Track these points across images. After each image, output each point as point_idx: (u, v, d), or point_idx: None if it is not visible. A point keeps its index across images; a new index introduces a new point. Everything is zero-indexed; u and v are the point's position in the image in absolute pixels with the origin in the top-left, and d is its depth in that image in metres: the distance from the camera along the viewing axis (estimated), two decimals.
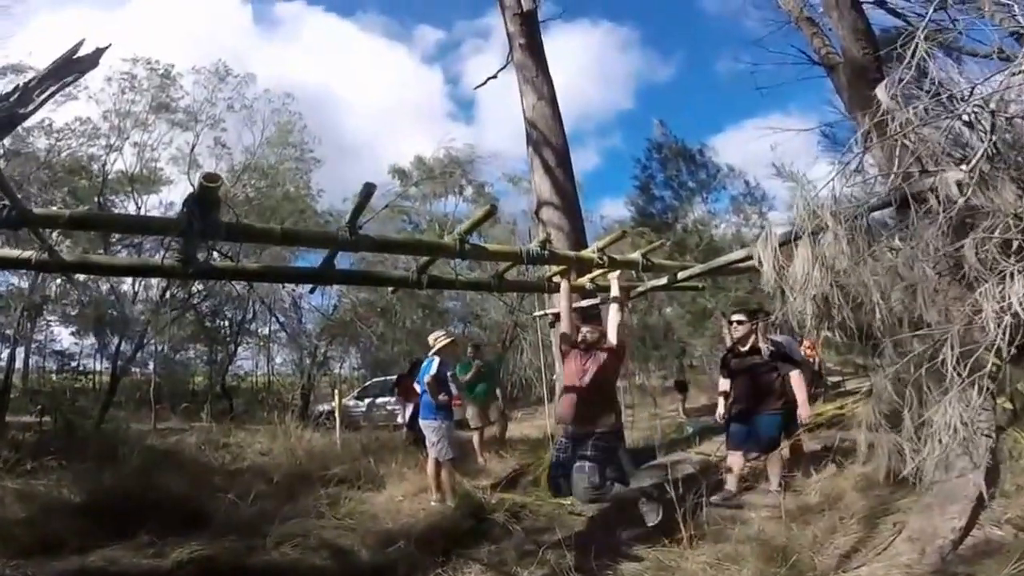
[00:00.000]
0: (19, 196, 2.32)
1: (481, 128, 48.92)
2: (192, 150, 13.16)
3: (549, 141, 6.61)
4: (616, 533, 3.67)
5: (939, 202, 2.10)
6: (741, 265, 3.67)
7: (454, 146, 15.79)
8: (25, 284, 12.23)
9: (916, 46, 2.30)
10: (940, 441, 2.03)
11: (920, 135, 2.25)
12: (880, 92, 2.34)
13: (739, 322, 4.37)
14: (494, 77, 8.18)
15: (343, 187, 21.78)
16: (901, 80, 2.31)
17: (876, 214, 2.46)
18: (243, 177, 13.49)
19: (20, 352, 13.85)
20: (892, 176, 2.36)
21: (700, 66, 48.21)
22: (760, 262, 2.55)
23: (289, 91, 15.12)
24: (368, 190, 2.62)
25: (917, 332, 2.34)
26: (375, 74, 51.04)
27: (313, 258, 11.76)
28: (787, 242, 2.54)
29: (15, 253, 2.98)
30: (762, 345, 4.22)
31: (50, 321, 15.57)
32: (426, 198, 16.53)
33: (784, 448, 4.20)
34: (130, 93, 12.46)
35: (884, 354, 2.48)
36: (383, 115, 44.70)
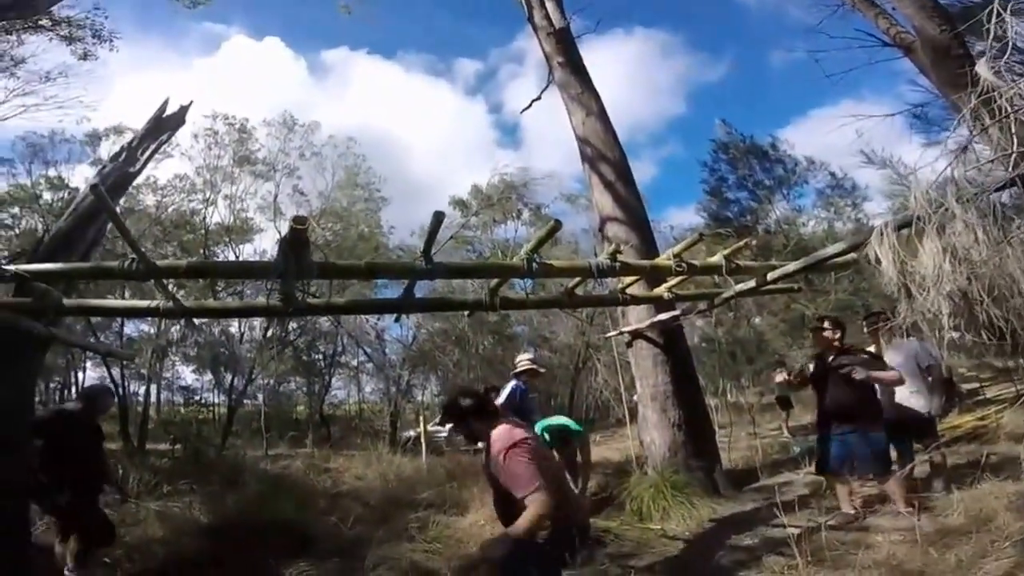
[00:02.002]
0: (142, 251, 2.58)
1: (529, 151, 49.45)
2: (275, 199, 14.53)
3: (604, 155, 6.44)
4: (716, 557, 3.40)
5: None
6: (839, 260, 3.33)
7: (508, 171, 16.14)
8: (152, 330, 14.11)
9: (1003, 18, 2.07)
10: None
11: None
12: (982, 70, 2.13)
13: (822, 330, 4.02)
14: (538, 99, 8.13)
15: (409, 224, 22.98)
16: (997, 56, 2.08)
17: (995, 196, 2.17)
18: (321, 221, 14.58)
19: (153, 388, 15.99)
20: (1015, 154, 2.07)
21: (751, 61, 45.68)
22: (878, 259, 2.31)
23: (353, 136, 16.49)
24: (438, 218, 2.70)
25: None
26: (423, 111, 53.81)
27: (390, 293, 12.47)
28: (903, 226, 2.30)
29: (145, 303, 3.36)
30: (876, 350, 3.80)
31: (174, 361, 17.67)
32: (486, 226, 16.89)
33: (914, 465, 3.76)
34: (215, 148, 14.02)
35: None
36: (436, 150, 47.02)
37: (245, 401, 14.98)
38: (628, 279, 4.12)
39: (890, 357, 4.19)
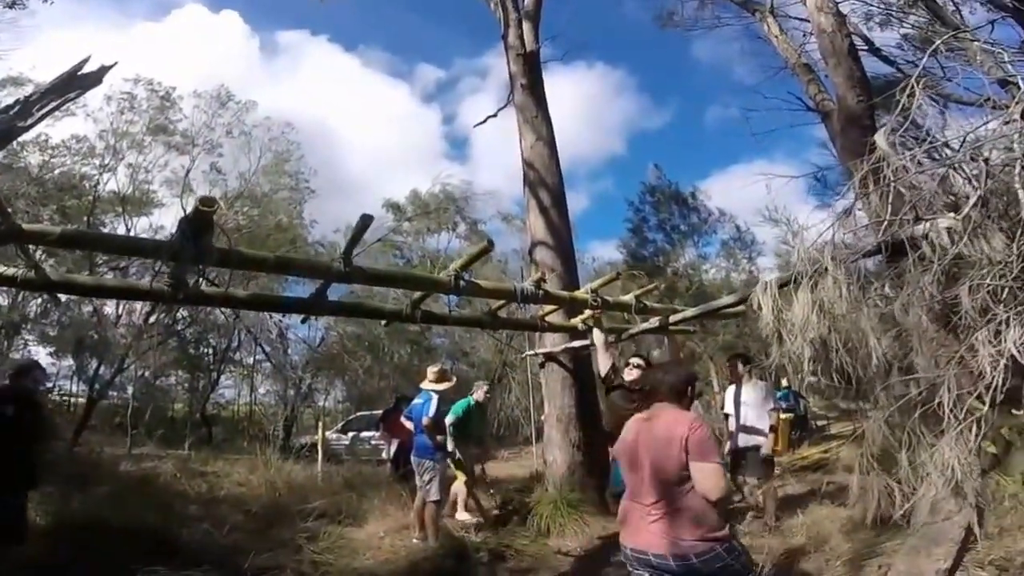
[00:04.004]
0: (8, 211, 2.28)
1: (475, 167, 49.70)
2: (187, 174, 13.17)
3: (545, 182, 6.67)
4: (601, 574, 3.56)
5: (932, 250, 2.16)
6: (729, 311, 3.73)
7: (450, 182, 16.02)
8: (4, 302, 12.04)
9: (913, 94, 2.42)
10: (933, 484, 2.03)
11: (913, 182, 2.34)
12: (879, 139, 2.45)
13: (636, 366, 3.84)
14: (494, 116, 8.35)
15: (337, 221, 21.87)
16: (895, 129, 2.42)
17: (867, 260, 2.54)
18: (236, 204, 13.47)
19: None
20: (885, 223, 2.43)
21: (691, 113, 49.64)
22: (759, 306, 2.61)
23: (292, 122, 15.25)
24: (365, 222, 2.60)
25: (910, 376, 2.38)
26: (375, 110, 51.93)
27: (301, 290, 11.69)
28: (785, 284, 2.60)
29: None
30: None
31: (28, 340, 15.18)
32: (419, 233, 16.55)
33: (761, 495, 4.25)
34: (128, 113, 12.57)
35: (875, 398, 2.51)
36: (382, 152, 45.46)
37: (111, 393, 13.24)
38: (548, 307, 4.29)
39: (746, 392, 4.45)
